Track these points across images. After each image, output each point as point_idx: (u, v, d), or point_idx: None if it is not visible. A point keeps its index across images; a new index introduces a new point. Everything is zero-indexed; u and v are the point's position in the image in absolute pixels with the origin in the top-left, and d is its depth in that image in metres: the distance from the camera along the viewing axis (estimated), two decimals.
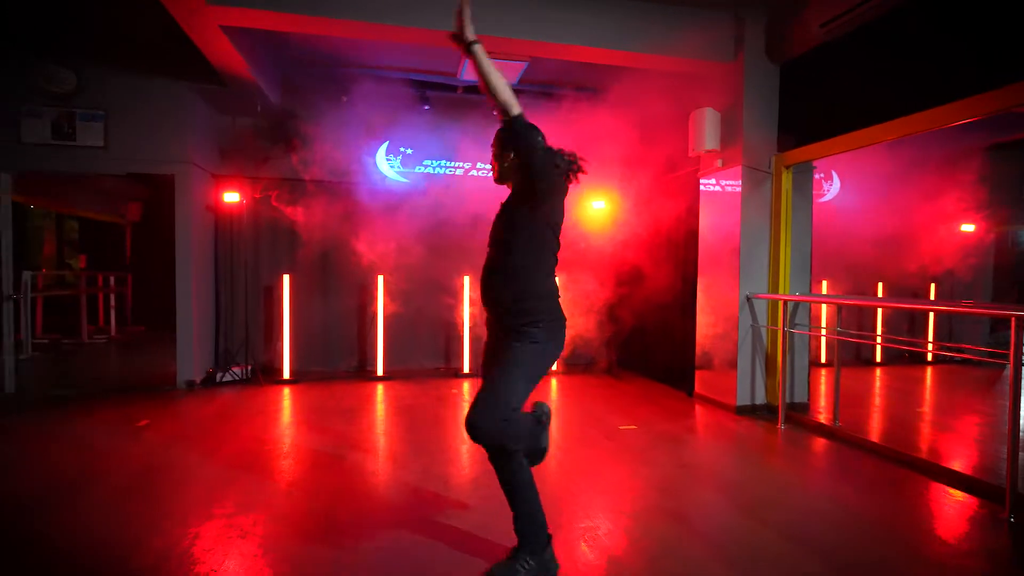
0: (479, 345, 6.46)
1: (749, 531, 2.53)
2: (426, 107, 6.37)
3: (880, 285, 6.89)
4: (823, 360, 6.71)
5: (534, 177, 2.04)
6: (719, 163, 4.75)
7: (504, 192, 2.33)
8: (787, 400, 4.58)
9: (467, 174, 6.62)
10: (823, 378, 5.72)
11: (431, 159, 6.54)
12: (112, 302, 8.31)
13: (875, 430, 4.19)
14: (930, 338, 7.00)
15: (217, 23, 3.98)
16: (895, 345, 6.61)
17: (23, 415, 4.36)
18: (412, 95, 6.31)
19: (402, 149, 6.46)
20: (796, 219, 4.57)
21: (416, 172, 6.46)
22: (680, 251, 5.48)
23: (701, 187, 5.04)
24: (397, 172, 6.45)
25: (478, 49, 1.98)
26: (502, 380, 2.00)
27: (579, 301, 6.52)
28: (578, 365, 6.52)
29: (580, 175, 2.21)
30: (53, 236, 9.99)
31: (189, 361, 5.29)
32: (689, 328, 5.23)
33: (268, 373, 5.77)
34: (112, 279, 8.52)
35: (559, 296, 2.22)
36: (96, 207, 9.19)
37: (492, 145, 2.22)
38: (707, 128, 4.61)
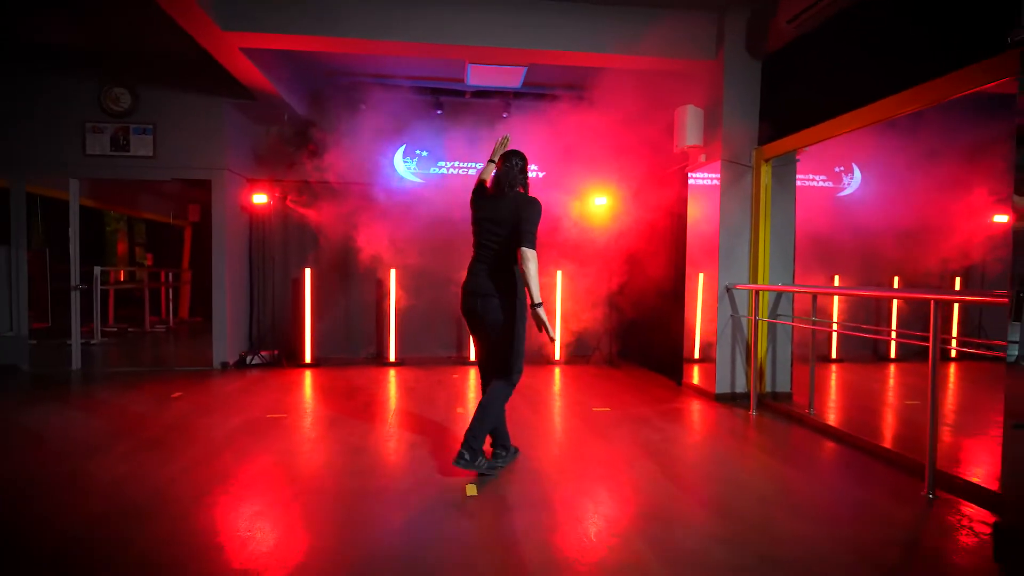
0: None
1: (668, 496, 2.76)
2: (439, 112, 6.82)
3: (896, 280, 6.72)
4: (833, 356, 6.65)
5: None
6: (702, 158, 4.90)
7: None
8: (768, 389, 4.68)
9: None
10: (832, 374, 5.72)
11: (444, 160, 6.98)
12: (170, 295, 9.27)
13: (846, 419, 4.24)
14: (953, 333, 6.75)
15: (237, 46, 4.55)
16: (901, 340, 6.44)
17: (83, 387, 5.11)
18: (425, 102, 6.77)
19: (418, 152, 6.93)
20: (777, 211, 4.65)
21: (431, 173, 6.92)
22: (673, 244, 5.64)
23: (690, 181, 5.19)
24: (413, 173, 6.93)
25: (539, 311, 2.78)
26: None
27: (582, 294, 6.77)
28: (580, 356, 6.76)
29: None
30: (126, 237, 11.19)
31: (223, 345, 5.96)
32: (681, 319, 5.38)
33: (292, 358, 6.38)
34: (170, 275, 9.48)
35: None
36: (160, 210, 10.24)
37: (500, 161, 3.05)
38: (689, 124, 4.77)
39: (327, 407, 4.42)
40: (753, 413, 4.30)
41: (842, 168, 7.10)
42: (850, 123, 3.72)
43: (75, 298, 5.81)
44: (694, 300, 5.16)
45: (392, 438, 3.63)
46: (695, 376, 5.16)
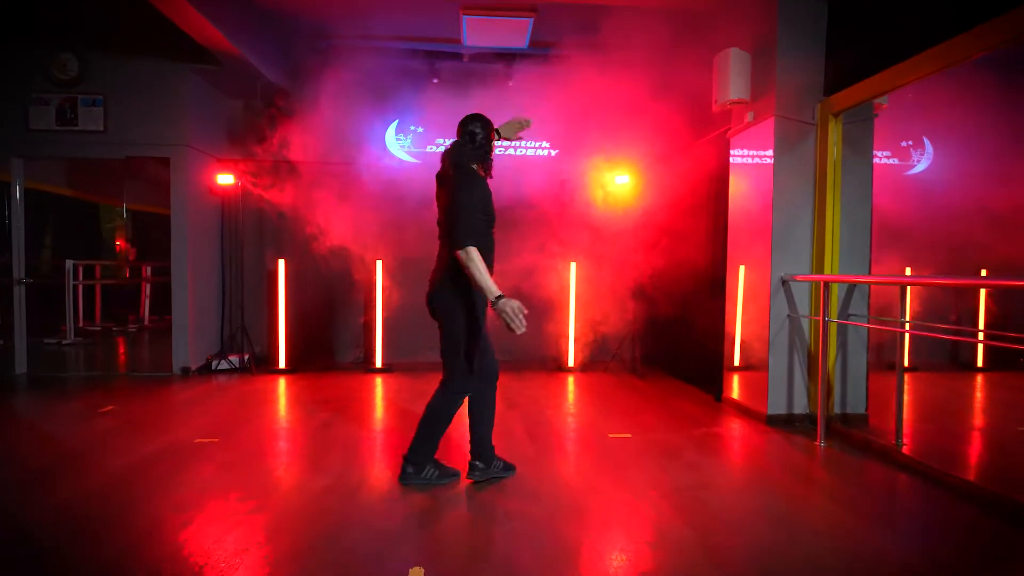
0: (499, 339, 5.91)
1: None
2: (435, 80, 5.94)
3: (984, 272, 5.55)
4: (906, 363, 5.51)
5: None
6: (749, 116, 3.88)
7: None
8: (836, 411, 3.64)
9: None
10: (912, 388, 4.60)
11: (443, 137, 6.10)
12: (147, 291, 8.63)
13: (949, 455, 3.18)
14: None
15: None
16: (997, 343, 5.27)
17: (7, 397, 4.39)
18: (420, 68, 5.90)
19: (412, 128, 6.07)
20: (849, 181, 3.61)
21: (428, 152, 6.04)
22: (712, 227, 4.62)
23: (732, 150, 4.18)
24: (407, 152, 6.06)
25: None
26: None
27: (600, 289, 5.80)
28: (597, 362, 5.79)
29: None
30: (124, 233, 10.66)
31: (184, 348, 5.20)
32: (721, 318, 4.38)
33: (266, 362, 5.58)
34: (148, 269, 8.85)
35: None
36: (149, 199, 9.63)
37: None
38: (733, 73, 3.76)
39: (277, 428, 3.57)
40: (821, 444, 3.28)
41: (910, 142, 5.96)
42: (962, 50, 2.67)
43: (19, 294, 5.12)
44: (735, 295, 4.14)
45: (335, 473, 2.74)
46: (735, 389, 4.15)
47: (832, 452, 3.18)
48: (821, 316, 3.31)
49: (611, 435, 3.42)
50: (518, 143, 6.16)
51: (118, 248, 9.84)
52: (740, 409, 4.01)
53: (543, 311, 6.01)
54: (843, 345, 3.65)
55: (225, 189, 5.58)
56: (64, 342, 6.90)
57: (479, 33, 5.16)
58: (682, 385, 4.97)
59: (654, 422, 3.75)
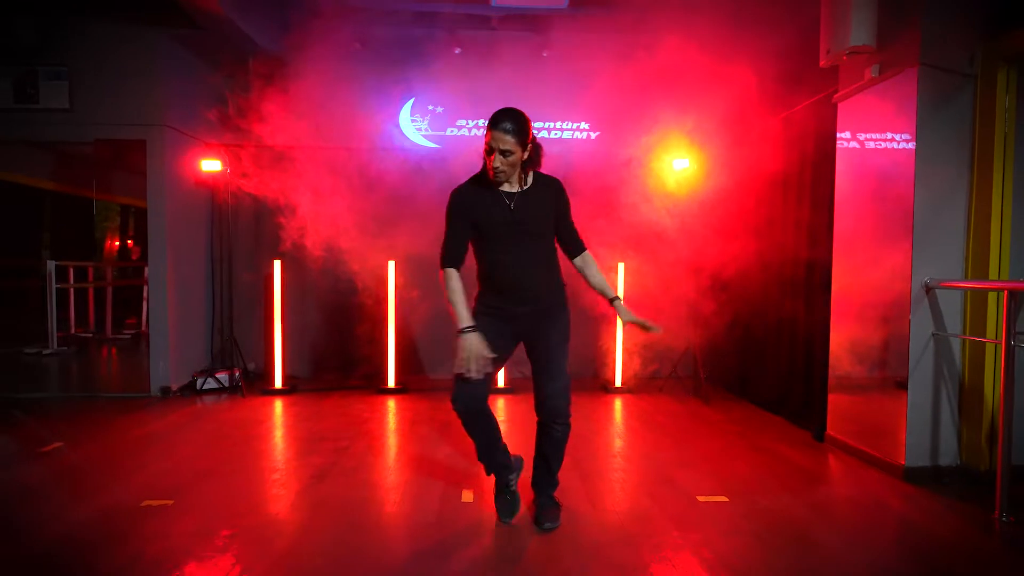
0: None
1: None
2: (457, 51, 5.08)
3: None
4: None
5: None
6: (874, 71, 2.94)
7: None
8: (1006, 462, 2.68)
9: None
10: None
11: (465, 118, 5.23)
12: (145, 294, 7.91)
13: None
14: None
15: None
16: None
17: None
18: (440, 38, 5.04)
19: (430, 107, 5.21)
20: None
21: (448, 135, 5.18)
22: (804, 221, 3.68)
23: (840, 118, 3.24)
24: (424, 135, 5.21)
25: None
26: (566, 359, 2.20)
27: (655, 294, 4.88)
28: (653, 381, 4.88)
29: None
30: (118, 232, 10.00)
31: (164, 365, 4.41)
32: (818, 333, 3.44)
33: (259, 380, 4.77)
34: (147, 270, 8.13)
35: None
36: (139, 192, 8.96)
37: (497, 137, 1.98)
38: (855, 11, 2.81)
39: (256, 478, 2.74)
40: (1002, 518, 2.34)
41: None
42: None
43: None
44: (846, 306, 3.21)
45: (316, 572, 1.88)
46: (837, 423, 3.21)
47: (1021, 527, 2.25)
48: (1004, 337, 2.36)
49: (700, 498, 2.52)
50: (553, 123, 5.27)
51: (111, 248, 9.19)
52: (857, 454, 3.07)
53: (584, 321, 5.11)
54: (1010, 377, 2.69)
55: (212, 178, 4.79)
56: (45, 352, 6.19)
57: None
58: (761, 414, 4.04)
59: (749, 474, 2.83)
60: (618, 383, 4.67)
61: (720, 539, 2.14)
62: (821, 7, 3.06)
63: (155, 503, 2.41)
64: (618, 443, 3.37)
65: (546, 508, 2.26)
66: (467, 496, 2.54)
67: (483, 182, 2.09)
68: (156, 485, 2.62)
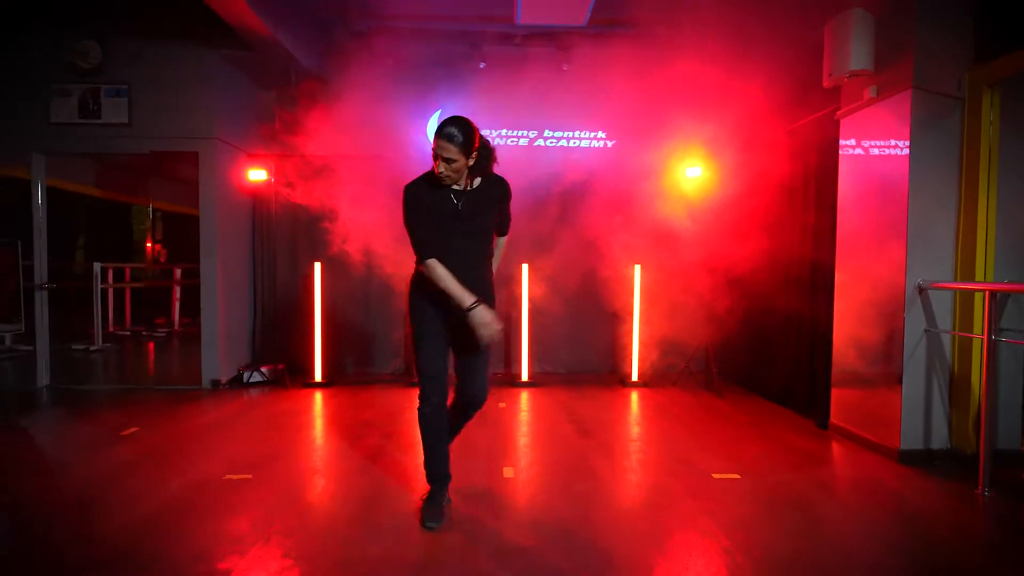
0: (542, 347, 5.37)
1: None
2: (481, 65, 5.41)
3: None
4: None
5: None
6: (872, 91, 3.24)
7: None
8: (987, 447, 2.98)
9: (532, 144, 5.57)
10: None
11: (488, 128, 5.56)
12: (176, 295, 8.31)
13: None
14: None
15: None
16: None
17: (26, 414, 4.02)
18: (465, 53, 5.37)
19: None
20: (1008, 167, 2.95)
21: None
22: (808, 225, 3.98)
23: (842, 132, 3.54)
24: None
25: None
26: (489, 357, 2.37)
27: (669, 294, 5.21)
28: (666, 376, 5.18)
29: None
30: (151, 232, 10.43)
31: (215, 359, 4.78)
32: (822, 330, 3.74)
33: (301, 373, 5.13)
34: (178, 271, 8.54)
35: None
36: (180, 199, 9.37)
37: (441, 145, 2.11)
38: (855, 38, 3.12)
39: (318, 458, 3.09)
40: (985, 492, 2.64)
41: None
42: None
43: (41, 300, 4.76)
44: (848, 304, 3.51)
45: (394, 530, 2.22)
46: (839, 413, 3.51)
47: (1000, 502, 2.55)
48: (985, 333, 2.66)
49: (715, 475, 2.84)
50: (572, 133, 5.59)
51: (148, 250, 9.60)
52: (857, 440, 3.37)
53: (600, 318, 5.44)
54: (993, 369, 2.99)
55: (256, 186, 5.15)
56: (92, 348, 6.59)
57: (536, 8, 4.60)
58: (769, 406, 4.34)
59: (759, 457, 3.15)
60: (635, 377, 4.99)
61: (733, 508, 2.46)
62: (824, 33, 3.36)
63: (236, 477, 2.76)
64: (637, 430, 3.69)
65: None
66: (508, 472, 2.87)
67: (433, 181, 2.21)
68: (235, 461, 2.98)
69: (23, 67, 4.59)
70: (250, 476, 2.78)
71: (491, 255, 2.40)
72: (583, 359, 5.51)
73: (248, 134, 5.23)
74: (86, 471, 2.86)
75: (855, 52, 3.13)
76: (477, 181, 2.26)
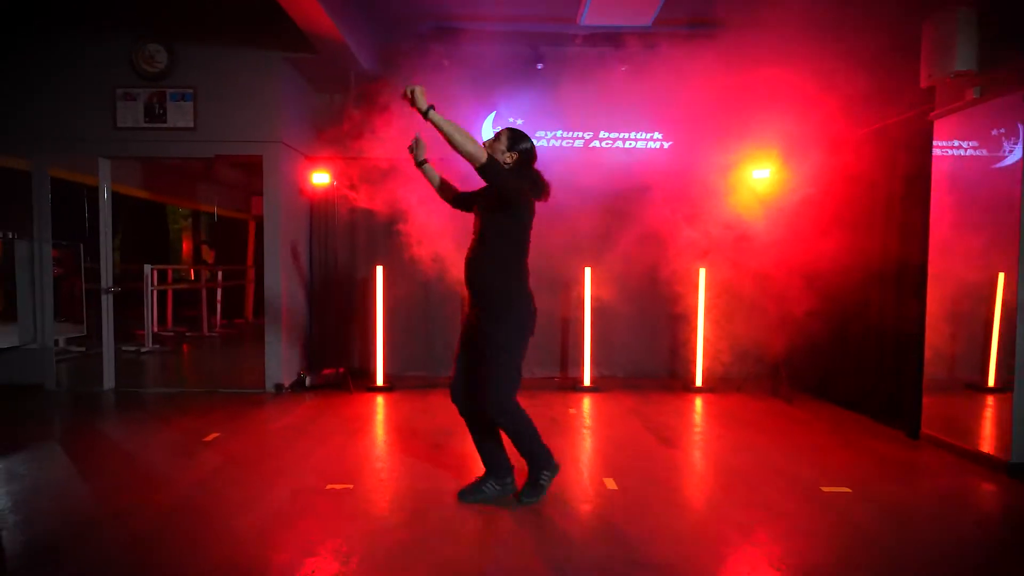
0: (605, 351, 5.30)
1: None
2: (539, 66, 5.35)
3: None
4: None
5: (510, 207, 2.44)
6: (976, 92, 3.14)
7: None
8: None
9: (587, 145, 5.51)
10: None
11: (544, 129, 5.52)
12: (219, 296, 8.36)
13: None
14: None
15: None
16: None
17: (103, 418, 4.04)
18: (523, 54, 5.32)
19: (510, 119, 5.50)
20: None
21: None
22: (895, 228, 3.88)
23: (936, 132, 3.44)
24: None
25: (433, 115, 2.26)
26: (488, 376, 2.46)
27: (733, 299, 5.12)
28: (729, 381, 5.10)
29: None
30: (190, 234, 10.51)
31: (278, 363, 4.77)
32: (909, 335, 3.64)
33: (360, 376, 5.11)
34: (220, 273, 8.59)
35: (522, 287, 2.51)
36: (222, 203, 9.43)
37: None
38: (960, 39, 3.03)
39: (409, 465, 3.05)
40: None
41: (1003, 130, 5.05)
42: None
43: (107, 303, 4.79)
44: (945, 307, 3.41)
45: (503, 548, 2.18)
46: (936, 422, 3.41)
47: None
48: None
49: (824, 488, 2.76)
50: (627, 134, 5.52)
51: (199, 252, 9.65)
52: (956, 451, 3.27)
53: (659, 322, 5.37)
54: None
55: (314, 190, 5.13)
56: (143, 350, 6.63)
57: (602, 9, 4.54)
58: (843, 413, 4.24)
59: (856, 468, 3.06)
60: (699, 382, 4.91)
61: (862, 526, 2.39)
62: (923, 32, 3.26)
63: (339, 486, 2.74)
64: (718, 439, 3.61)
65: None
66: (610, 483, 2.82)
67: None
68: (329, 470, 2.95)
69: (89, 72, 4.61)
70: (351, 486, 2.75)
71: (496, 266, 2.47)
72: (640, 362, 5.44)
73: (307, 137, 5.23)
74: (182, 478, 2.85)
75: (961, 52, 3.03)
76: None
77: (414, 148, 2.65)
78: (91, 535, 2.26)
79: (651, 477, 2.93)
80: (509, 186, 2.36)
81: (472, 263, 2.49)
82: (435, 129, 2.25)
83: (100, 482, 2.82)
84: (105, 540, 2.22)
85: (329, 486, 2.74)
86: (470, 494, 2.58)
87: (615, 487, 2.77)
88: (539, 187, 2.53)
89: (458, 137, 2.21)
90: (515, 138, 2.52)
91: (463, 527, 2.34)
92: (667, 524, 2.39)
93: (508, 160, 2.47)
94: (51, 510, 2.49)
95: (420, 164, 2.67)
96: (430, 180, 2.72)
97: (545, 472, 2.54)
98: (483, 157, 2.24)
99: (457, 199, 2.75)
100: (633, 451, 3.36)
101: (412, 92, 2.26)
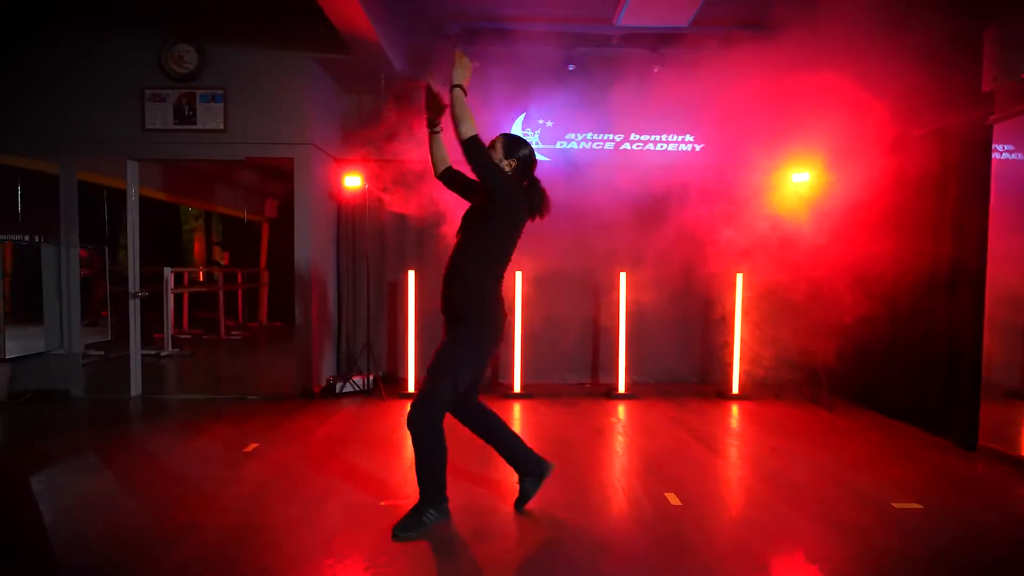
0: (637, 356, 5.21)
1: None
2: (571, 67, 5.26)
3: None
4: None
5: (495, 203, 2.33)
6: None
7: None
8: None
9: (618, 148, 5.42)
10: None
11: (575, 132, 5.43)
12: (239, 299, 8.28)
13: None
14: None
15: None
16: None
17: (135, 426, 3.96)
18: (555, 54, 5.23)
19: (541, 121, 5.42)
20: None
21: (557, 148, 5.39)
22: (948, 234, 3.79)
23: (995, 136, 3.35)
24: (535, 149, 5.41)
25: (459, 93, 2.22)
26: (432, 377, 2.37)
27: (771, 305, 5.04)
28: (765, 388, 5.01)
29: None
30: (203, 236, 10.43)
31: (308, 369, 4.69)
32: (964, 342, 3.55)
33: (391, 382, 5.03)
34: (239, 275, 8.51)
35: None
36: (237, 205, 9.34)
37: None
38: None
39: (460, 479, 2.96)
40: None
41: None
42: None
43: (135, 308, 4.71)
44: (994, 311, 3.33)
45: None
46: (994, 434, 3.33)
47: None
48: None
49: (895, 504, 2.68)
50: (658, 136, 5.43)
51: (211, 254, 9.57)
52: (1017, 464, 3.19)
53: (692, 328, 5.29)
54: None
55: (344, 192, 5.05)
56: (163, 354, 6.55)
57: (642, 9, 4.45)
58: (889, 422, 4.16)
59: (919, 481, 2.98)
60: (735, 389, 4.83)
61: (948, 551, 2.30)
62: (985, 36, 3.18)
63: (393, 503, 2.65)
64: (768, 448, 3.53)
65: None
66: (673, 499, 2.73)
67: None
68: (378, 485, 2.87)
69: (117, 73, 4.53)
70: (406, 502, 2.66)
71: (470, 273, 2.40)
72: (671, 369, 5.36)
73: (335, 139, 5.15)
74: (229, 492, 2.76)
75: None
76: None
77: (432, 101, 2.46)
78: (150, 557, 2.17)
79: (712, 492, 2.86)
80: (499, 177, 2.28)
81: (453, 260, 2.42)
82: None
83: (147, 498, 2.73)
84: (164, 564, 2.13)
85: (384, 502, 2.66)
86: (522, 500, 2.58)
87: (679, 502, 2.69)
88: (536, 200, 2.42)
89: (457, 111, 2.18)
90: (511, 145, 2.44)
91: (528, 549, 2.25)
92: (745, 545, 2.31)
93: (507, 168, 2.40)
94: (102, 529, 2.41)
95: (433, 127, 2.51)
96: (433, 150, 2.54)
97: (432, 511, 2.36)
98: (468, 135, 2.18)
99: (448, 173, 2.57)
100: (687, 463, 3.28)
101: (459, 57, 2.21)
